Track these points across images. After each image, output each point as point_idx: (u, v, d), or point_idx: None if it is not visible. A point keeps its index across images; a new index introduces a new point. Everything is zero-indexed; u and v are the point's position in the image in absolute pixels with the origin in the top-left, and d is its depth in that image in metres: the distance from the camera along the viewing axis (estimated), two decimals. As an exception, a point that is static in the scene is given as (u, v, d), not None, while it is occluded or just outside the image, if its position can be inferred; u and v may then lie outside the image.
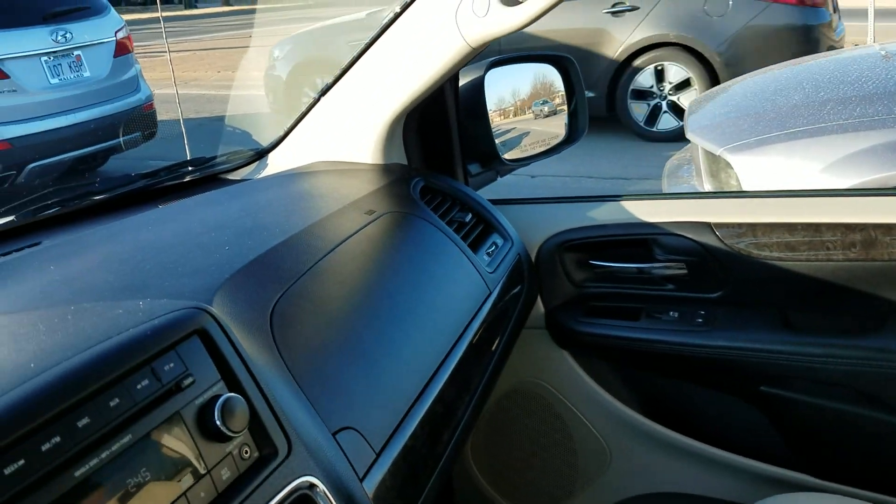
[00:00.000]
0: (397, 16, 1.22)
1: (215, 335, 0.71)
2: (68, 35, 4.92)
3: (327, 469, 0.74)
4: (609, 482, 1.54)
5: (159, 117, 5.80)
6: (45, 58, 4.80)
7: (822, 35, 5.40)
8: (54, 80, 4.84)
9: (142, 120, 5.47)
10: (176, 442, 0.64)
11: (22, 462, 0.53)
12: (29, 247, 1.04)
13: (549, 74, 1.57)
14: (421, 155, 1.43)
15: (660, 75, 5.79)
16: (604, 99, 5.89)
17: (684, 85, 5.71)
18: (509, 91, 1.54)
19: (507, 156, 1.49)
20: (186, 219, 1.11)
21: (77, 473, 0.56)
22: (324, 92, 1.36)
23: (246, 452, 0.69)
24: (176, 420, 0.64)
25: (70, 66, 4.95)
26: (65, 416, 0.57)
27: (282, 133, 1.43)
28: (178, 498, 0.61)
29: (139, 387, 0.63)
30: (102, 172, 5.68)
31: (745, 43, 5.46)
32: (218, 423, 0.66)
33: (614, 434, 1.51)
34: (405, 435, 0.87)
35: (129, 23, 6.06)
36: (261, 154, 1.45)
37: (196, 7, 22.40)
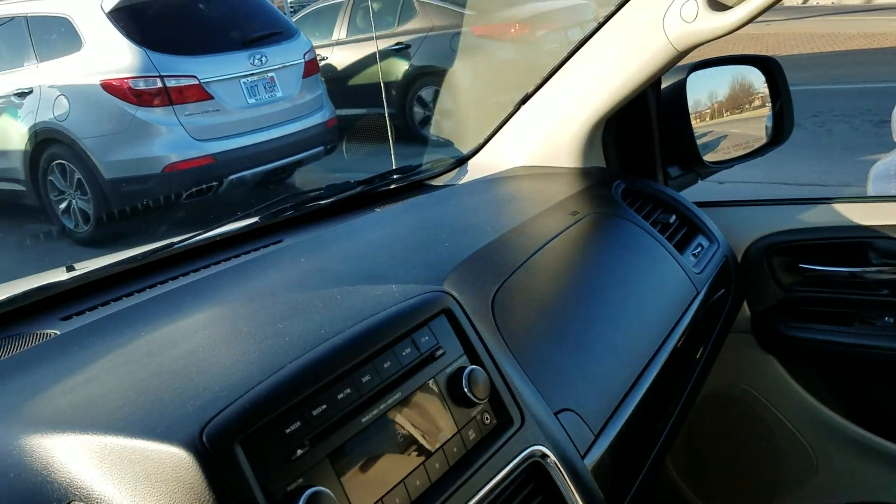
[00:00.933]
0: (601, 24, 1.27)
1: (458, 315, 0.81)
2: (264, 58, 5.37)
3: (555, 443, 0.81)
4: (814, 490, 1.51)
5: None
6: (244, 80, 5.26)
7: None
8: (251, 100, 5.29)
9: (325, 135, 5.85)
10: (432, 403, 0.74)
11: (324, 407, 0.66)
12: (273, 244, 1.20)
13: (749, 76, 1.57)
14: (619, 158, 1.45)
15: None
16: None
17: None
18: (709, 93, 1.55)
19: (707, 158, 1.48)
20: (404, 220, 1.23)
21: (363, 420, 0.68)
22: (524, 100, 1.42)
23: (487, 419, 0.78)
24: (431, 384, 0.75)
25: (265, 87, 5.39)
26: (352, 373, 0.69)
27: (481, 140, 1.52)
28: (437, 450, 0.72)
29: (404, 353, 0.74)
30: (289, 184, 6.12)
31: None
32: (465, 390, 0.76)
33: (822, 441, 1.48)
34: (621, 421, 0.92)
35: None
36: (461, 161, 1.53)
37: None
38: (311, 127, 5.64)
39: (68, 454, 0.63)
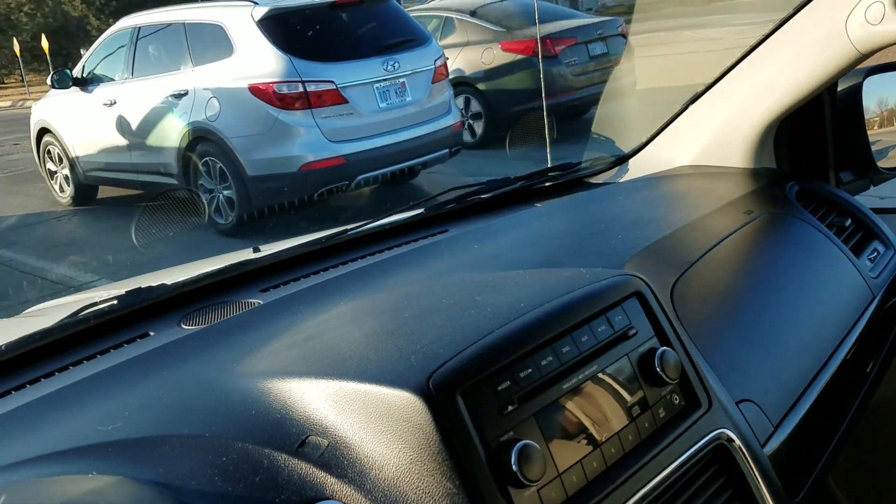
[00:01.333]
0: (779, 25, 1.26)
1: (649, 299, 0.87)
2: (396, 64, 5.60)
3: (738, 428, 0.85)
4: None
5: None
6: (377, 85, 5.51)
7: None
8: (382, 104, 5.54)
9: (451, 138, 6.02)
10: (626, 379, 0.79)
11: (530, 370, 0.73)
12: (440, 233, 1.29)
13: None
14: (791, 160, 1.45)
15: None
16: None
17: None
18: (885, 99, 1.52)
19: (882, 164, 1.47)
20: (570, 213, 1.29)
21: (564, 386, 0.75)
22: (693, 99, 1.43)
23: (675, 399, 0.83)
24: (624, 362, 0.80)
25: (396, 92, 5.62)
26: (553, 342, 0.76)
27: (644, 139, 1.54)
28: (630, 423, 0.77)
29: (599, 329, 0.80)
30: (415, 185, 6.35)
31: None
32: (658, 369, 0.80)
33: None
34: (799, 415, 0.95)
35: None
36: (621, 160, 1.57)
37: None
38: (437, 130, 5.83)
39: (304, 396, 0.72)
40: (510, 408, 0.70)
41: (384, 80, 5.53)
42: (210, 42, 5.53)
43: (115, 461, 0.68)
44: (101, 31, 7.01)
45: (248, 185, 5.34)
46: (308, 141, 5.19)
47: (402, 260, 1.15)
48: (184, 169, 5.74)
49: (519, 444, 0.68)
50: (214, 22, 5.55)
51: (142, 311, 1.03)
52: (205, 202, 5.67)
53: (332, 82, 5.25)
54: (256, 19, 5.30)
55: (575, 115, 7.82)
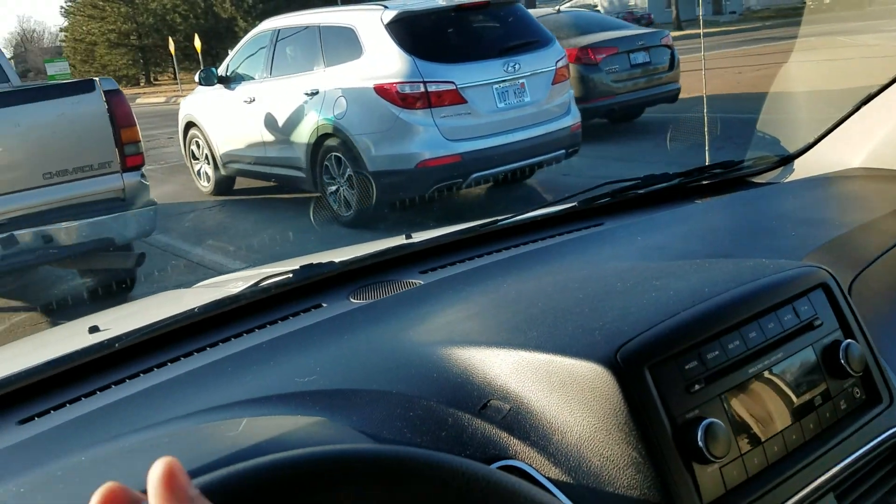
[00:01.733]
0: None
1: (835, 291, 0.86)
2: (517, 66, 5.69)
3: None
4: None
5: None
6: (496, 85, 5.62)
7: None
8: (501, 105, 5.65)
9: (568, 139, 6.04)
10: (809, 368, 0.80)
11: (717, 352, 0.75)
12: (594, 226, 1.31)
13: None
14: None
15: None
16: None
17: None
18: None
19: None
20: (735, 209, 1.28)
21: (750, 370, 0.76)
22: (866, 100, 1.41)
23: (857, 393, 0.83)
24: (809, 352, 0.81)
25: (514, 92, 5.72)
26: (740, 327, 0.77)
27: (811, 140, 1.51)
28: (811, 412, 0.78)
29: (786, 318, 0.81)
30: (529, 185, 6.40)
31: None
32: (842, 361, 0.81)
33: None
34: None
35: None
36: (786, 159, 1.55)
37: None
38: (555, 131, 5.86)
39: (484, 364, 0.75)
40: (696, 387, 0.72)
41: (504, 80, 5.62)
42: (342, 44, 5.85)
43: (315, 407, 0.74)
44: (247, 33, 7.52)
45: (369, 180, 5.60)
46: (426, 139, 5.38)
47: (560, 249, 1.18)
48: (311, 163, 6.11)
49: (705, 422, 0.69)
50: (346, 25, 5.86)
51: (313, 286, 1.12)
52: (328, 194, 6.01)
53: (453, 83, 5.41)
54: (385, 22, 5.55)
55: (622, 119, 8.70)
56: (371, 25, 5.63)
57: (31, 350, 1.32)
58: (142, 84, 41.26)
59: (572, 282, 0.95)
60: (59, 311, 4.45)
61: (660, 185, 1.43)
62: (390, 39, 5.49)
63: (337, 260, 1.17)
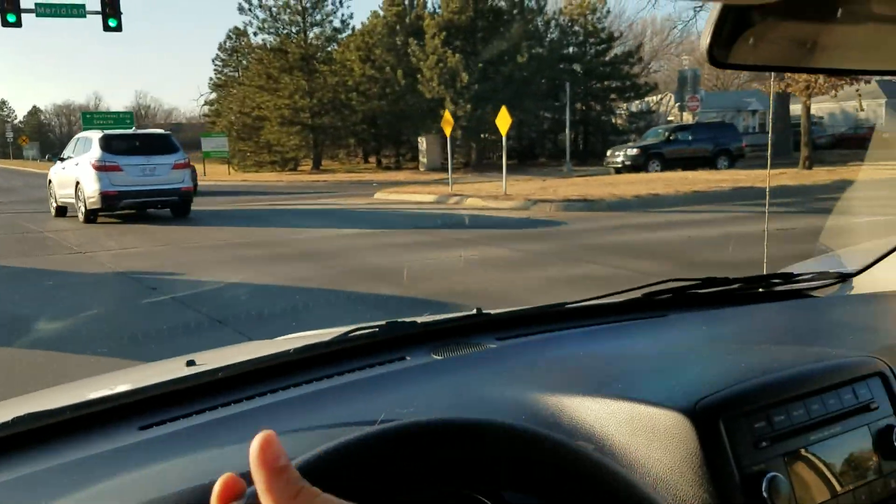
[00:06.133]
0: None
1: (891, 380, 0.95)
2: (151, 161, 14.68)
3: None
4: None
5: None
6: (140, 166, 14.51)
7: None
8: (140, 174, 14.74)
9: (177, 193, 14.73)
10: (864, 446, 0.88)
11: (783, 417, 0.84)
12: (659, 316, 1.39)
13: None
14: None
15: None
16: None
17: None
18: None
19: None
20: (795, 315, 1.38)
21: (812, 437, 0.84)
22: None
23: None
24: (864, 431, 0.89)
25: (148, 170, 14.62)
26: (804, 398, 0.86)
27: (872, 258, 1.57)
28: (864, 485, 0.85)
29: (846, 397, 0.90)
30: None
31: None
32: (895, 444, 0.88)
33: None
34: None
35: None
36: (845, 276, 1.60)
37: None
38: (171, 189, 14.18)
39: (571, 409, 0.82)
40: (763, 444, 0.78)
41: (144, 165, 14.06)
42: (86, 145, 14.50)
43: None
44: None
45: (95, 202, 14.01)
46: (105, 183, 13.68)
47: (628, 329, 1.24)
48: (75, 195, 14.78)
49: (770, 475, 0.75)
50: (89, 137, 14.67)
51: (397, 342, 1.17)
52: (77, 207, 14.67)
53: (118, 164, 13.88)
54: (98, 138, 14.34)
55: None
56: (96, 139, 14.32)
57: (137, 377, 1.32)
58: (310, 166, 38.53)
59: (646, 351, 1.05)
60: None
61: (721, 288, 1.47)
62: (97, 146, 14.03)
63: (419, 320, 1.22)
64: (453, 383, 0.99)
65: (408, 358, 1.14)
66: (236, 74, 47.60)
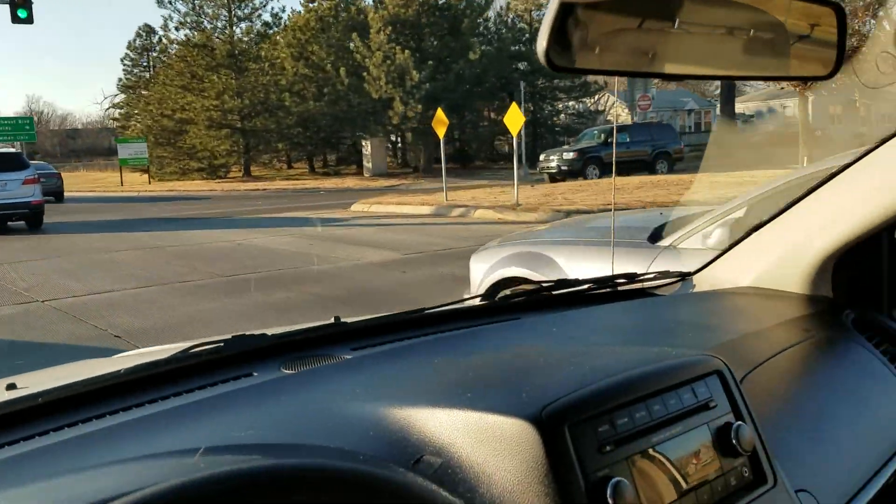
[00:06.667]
0: (857, 159, 1.37)
1: (728, 378, 0.97)
2: (4, 178, 14.95)
3: None
4: None
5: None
6: None
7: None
8: None
9: (27, 206, 15.22)
10: (704, 445, 0.90)
11: (626, 419, 0.83)
12: (512, 319, 1.43)
13: None
14: (847, 291, 1.52)
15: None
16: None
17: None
18: None
19: None
20: (640, 313, 1.45)
21: (654, 439, 0.85)
22: (759, 225, 1.56)
23: (745, 472, 0.92)
24: (704, 429, 0.90)
25: (2, 186, 12.51)
26: (646, 399, 0.87)
27: (707, 259, 1.68)
28: (705, 484, 0.87)
29: (685, 396, 0.91)
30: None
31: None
32: (733, 441, 0.90)
33: None
34: None
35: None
36: (685, 275, 1.70)
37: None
38: (20, 202, 14.58)
39: (420, 422, 0.81)
40: (607, 448, 0.79)
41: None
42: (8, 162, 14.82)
43: (255, 455, 0.73)
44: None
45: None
46: None
47: (483, 333, 1.28)
48: None
49: (614, 480, 0.76)
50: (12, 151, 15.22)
51: (245, 357, 1.14)
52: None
53: None
54: None
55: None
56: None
57: None
58: (240, 173, 35.80)
59: (497, 358, 1.07)
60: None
61: (571, 289, 1.55)
62: None
63: (269, 333, 1.20)
64: (302, 399, 0.96)
65: (255, 374, 1.11)
66: (147, 75, 45.12)
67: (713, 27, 0.99)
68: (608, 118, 37.41)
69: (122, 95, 48.48)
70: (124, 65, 49.11)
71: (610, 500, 0.76)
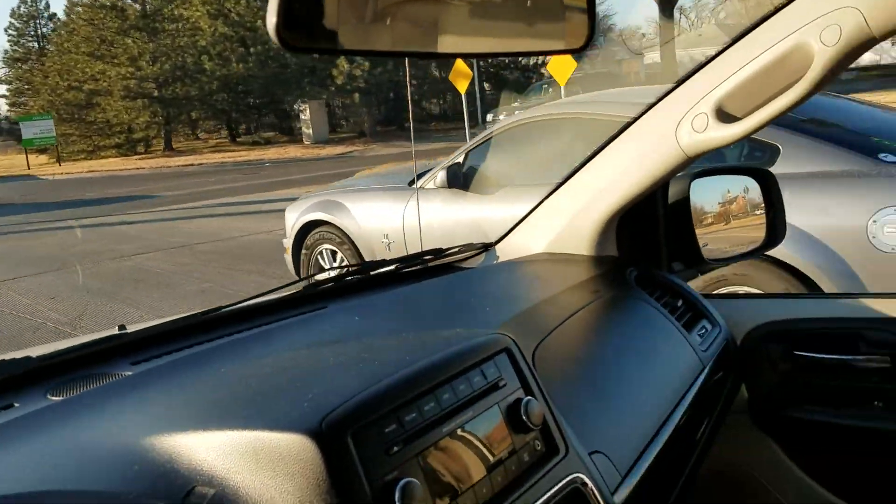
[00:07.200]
0: (622, 130, 1.50)
1: (516, 355, 0.97)
2: None
3: (591, 475, 0.95)
4: None
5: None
6: None
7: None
8: None
9: None
10: (496, 425, 0.89)
11: (414, 415, 0.80)
12: (319, 309, 1.37)
13: (749, 184, 1.69)
14: (630, 249, 1.64)
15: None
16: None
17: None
18: (712, 198, 1.68)
19: (707, 256, 1.61)
20: (444, 291, 1.45)
21: (444, 429, 0.82)
22: (549, 194, 1.63)
23: (538, 445, 0.92)
24: (495, 409, 0.89)
25: None
26: (434, 390, 0.85)
27: (507, 229, 1.74)
28: (499, 465, 0.86)
29: (475, 380, 0.89)
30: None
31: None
32: (524, 416, 0.89)
33: None
34: (643, 467, 1.08)
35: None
36: (488, 246, 1.75)
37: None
38: None
39: (190, 449, 0.74)
40: (395, 448, 0.76)
41: None
42: None
43: None
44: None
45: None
46: None
47: (283, 331, 1.22)
48: None
49: (402, 482, 0.73)
50: None
51: (7, 384, 1.03)
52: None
53: None
54: None
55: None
56: None
57: None
58: (160, 148, 32.69)
59: (288, 360, 1.00)
60: None
61: (378, 270, 1.56)
62: None
63: (34, 355, 1.08)
64: (65, 432, 0.86)
65: (16, 405, 0.98)
66: (37, 45, 42.37)
67: (480, 4, 1.00)
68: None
69: (8, 70, 44.17)
70: (9, 34, 44.65)
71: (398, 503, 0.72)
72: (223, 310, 1.29)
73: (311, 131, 29.73)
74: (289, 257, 5.68)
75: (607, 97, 4.38)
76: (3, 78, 44.61)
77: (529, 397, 0.92)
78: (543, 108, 4.65)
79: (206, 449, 0.74)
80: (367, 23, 0.89)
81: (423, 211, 4.70)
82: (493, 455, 0.86)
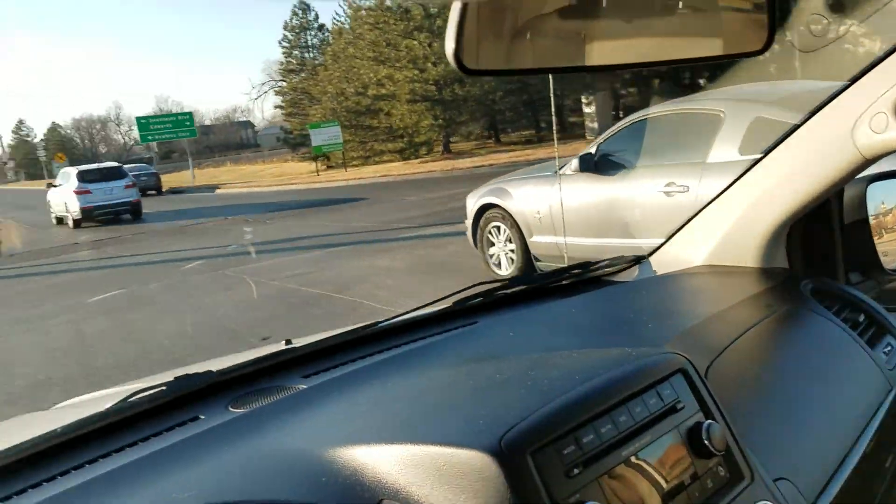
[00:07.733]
0: (789, 133, 1.35)
1: (692, 375, 0.94)
2: (111, 185, 21.29)
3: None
4: None
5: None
6: (103, 188, 20.95)
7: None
8: (104, 194, 21.03)
9: (129, 205, 21.16)
10: (676, 449, 0.86)
11: (592, 436, 0.79)
12: (470, 324, 1.37)
13: None
14: (803, 260, 1.52)
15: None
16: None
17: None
18: (891, 204, 1.56)
19: (890, 266, 1.50)
20: (598, 306, 1.38)
21: (623, 453, 0.81)
22: (709, 203, 1.52)
23: (721, 471, 0.88)
24: (674, 433, 0.86)
25: (107, 191, 21.52)
26: (610, 411, 0.83)
27: (662, 240, 1.63)
28: (681, 491, 0.83)
29: (651, 402, 0.87)
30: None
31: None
32: (706, 441, 0.86)
33: None
34: (831, 496, 1.00)
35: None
36: (640, 259, 1.66)
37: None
38: (123, 202, 20.98)
39: (374, 462, 0.77)
40: (576, 471, 0.75)
41: (104, 189, 20.68)
42: (67, 177, 20.97)
43: None
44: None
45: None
46: (82, 202, 20.39)
47: (438, 347, 1.22)
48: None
49: None
50: (67, 171, 20.91)
51: (190, 398, 1.08)
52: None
53: (89, 189, 20.52)
54: (76, 173, 20.80)
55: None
56: (73, 173, 20.97)
57: None
58: (440, 151, 30.95)
59: (453, 376, 1.02)
60: None
61: (526, 286, 1.51)
62: (75, 177, 20.66)
63: (214, 369, 1.13)
64: (249, 444, 0.90)
65: (202, 417, 1.04)
66: (309, 54, 41.93)
67: (638, 10, 0.96)
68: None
69: (283, 82, 43.99)
70: (283, 46, 44.10)
71: None
72: (380, 324, 1.33)
73: (595, 125, 26.91)
74: (469, 234, 7.12)
75: (749, 94, 4.91)
76: (278, 90, 44.80)
77: (710, 421, 0.89)
78: (668, 105, 5.38)
79: (389, 462, 0.76)
80: (548, 40, 0.87)
81: (564, 191, 5.77)
82: (674, 481, 0.83)
